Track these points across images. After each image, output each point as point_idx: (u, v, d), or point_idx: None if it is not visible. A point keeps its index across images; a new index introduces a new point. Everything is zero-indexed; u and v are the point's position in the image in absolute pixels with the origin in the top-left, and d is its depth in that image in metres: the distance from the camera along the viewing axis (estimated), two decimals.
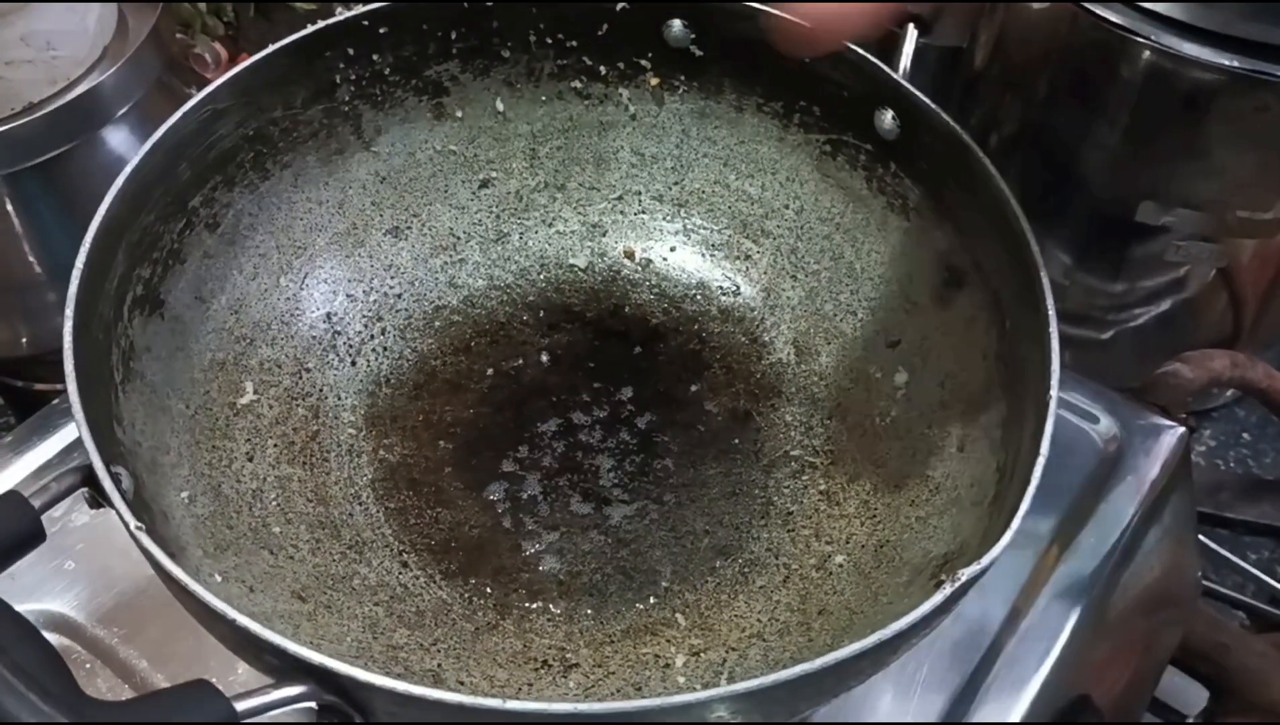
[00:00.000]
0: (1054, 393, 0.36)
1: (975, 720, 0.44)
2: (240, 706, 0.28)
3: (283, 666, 0.30)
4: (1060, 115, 0.71)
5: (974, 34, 0.79)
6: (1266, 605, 0.72)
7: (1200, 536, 0.69)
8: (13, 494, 0.31)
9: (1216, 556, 0.71)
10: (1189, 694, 0.67)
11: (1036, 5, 0.68)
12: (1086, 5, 0.62)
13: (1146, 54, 0.62)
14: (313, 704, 0.30)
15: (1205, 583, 0.72)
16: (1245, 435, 0.82)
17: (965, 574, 0.32)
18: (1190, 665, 0.66)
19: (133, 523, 0.31)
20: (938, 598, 0.31)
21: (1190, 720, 0.67)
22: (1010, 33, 0.73)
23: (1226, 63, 0.59)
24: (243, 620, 0.29)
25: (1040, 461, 0.34)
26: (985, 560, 0.32)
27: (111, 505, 0.32)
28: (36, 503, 0.32)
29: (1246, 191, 0.66)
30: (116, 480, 0.33)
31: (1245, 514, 0.73)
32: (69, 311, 0.36)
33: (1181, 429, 0.54)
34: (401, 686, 0.28)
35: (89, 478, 0.33)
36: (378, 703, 0.29)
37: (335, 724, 0.30)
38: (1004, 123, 0.77)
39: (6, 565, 0.30)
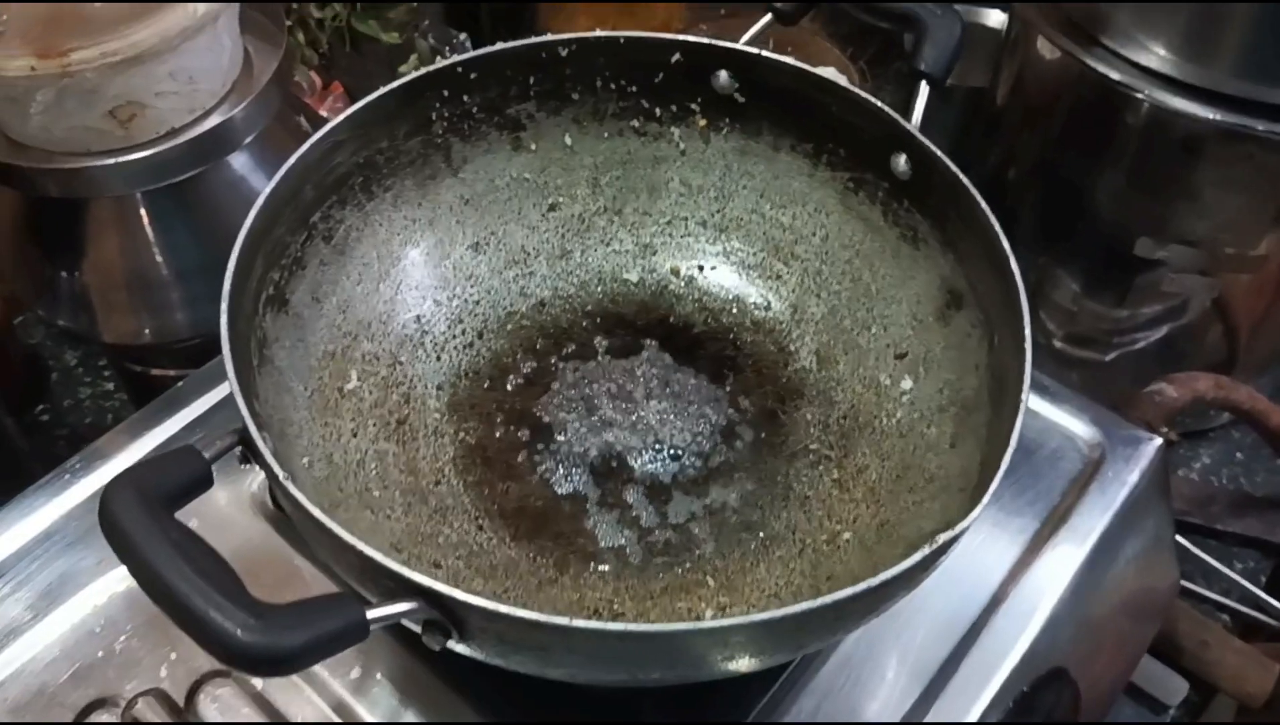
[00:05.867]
0: (1025, 398, 0.43)
1: (962, 676, 0.51)
2: (369, 614, 0.36)
3: (396, 589, 0.38)
4: (1069, 154, 0.78)
5: (995, 75, 0.86)
6: (1250, 610, 0.78)
7: (1191, 546, 0.75)
8: (190, 447, 0.40)
9: (1206, 565, 0.76)
10: (1171, 685, 0.73)
11: (1048, 55, 0.75)
12: (1088, 61, 0.69)
13: (1143, 106, 0.69)
14: (420, 619, 0.38)
15: (1195, 588, 0.78)
16: (1239, 454, 0.88)
17: (941, 538, 0.39)
18: (1173, 659, 0.73)
19: (281, 474, 0.40)
20: (917, 556, 0.38)
21: (1172, 709, 0.73)
22: (1026, 77, 0.80)
23: (1214, 116, 0.66)
24: (369, 551, 0.37)
25: (1009, 452, 0.41)
26: (959, 527, 0.39)
27: (263, 461, 0.40)
28: (206, 454, 0.40)
29: (1235, 230, 0.73)
30: (265, 441, 0.41)
31: (1233, 527, 0.78)
32: (225, 305, 0.44)
33: (1159, 441, 0.61)
34: (492, 604, 0.36)
35: (245, 438, 0.41)
36: (471, 618, 0.37)
37: (435, 635, 0.38)
38: (1021, 158, 0.84)
39: (187, 501, 0.39)
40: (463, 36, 0.92)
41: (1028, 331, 0.45)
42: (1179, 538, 0.68)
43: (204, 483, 0.39)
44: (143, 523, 0.35)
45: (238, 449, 0.41)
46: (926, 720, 0.49)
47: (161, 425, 0.59)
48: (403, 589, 0.37)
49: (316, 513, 0.38)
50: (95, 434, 0.59)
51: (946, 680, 0.51)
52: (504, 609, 0.36)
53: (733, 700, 0.49)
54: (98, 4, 0.54)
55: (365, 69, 0.87)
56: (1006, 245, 0.47)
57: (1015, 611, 0.53)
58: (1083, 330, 0.85)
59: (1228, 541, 0.79)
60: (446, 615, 0.37)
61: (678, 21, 0.96)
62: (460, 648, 0.39)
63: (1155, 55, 0.67)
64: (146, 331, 0.67)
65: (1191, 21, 0.66)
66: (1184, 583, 0.73)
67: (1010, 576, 0.55)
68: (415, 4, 0.88)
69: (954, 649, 0.52)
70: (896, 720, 0.49)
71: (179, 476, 0.38)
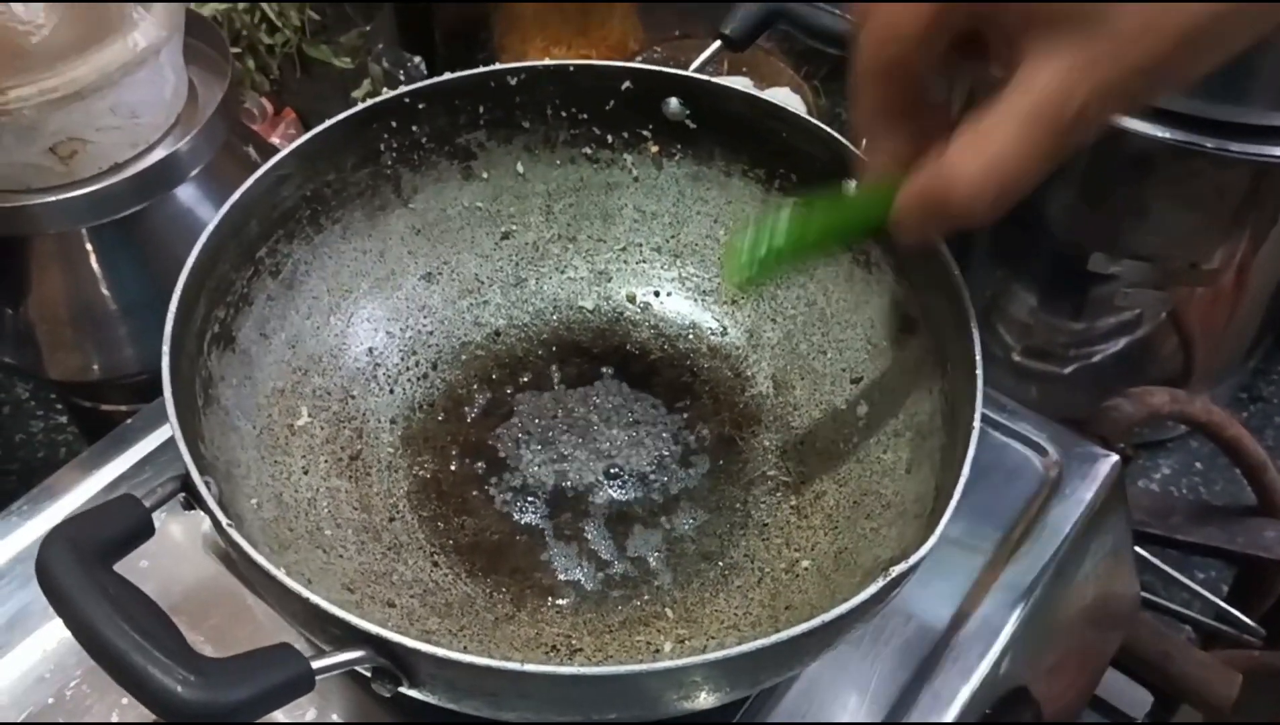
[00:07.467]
0: (976, 426, 0.43)
1: (924, 702, 0.51)
2: (315, 665, 0.35)
3: (344, 637, 0.37)
4: None
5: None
6: (1211, 620, 0.78)
7: (1152, 557, 0.75)
8: (128, 497, 0.39)
9: (1166, 576, 0.76)
10: (1135, 697, 0.73)
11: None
12: None
13: None
14: (369, 666, 0.37)
15: (1156, 599, 0.78)
16: (1198, 465, 0.88)
17: (895, 570, 0.39)
18: (1137, 671, 0.73)
19: (224, 520, 0.39)
20: (872, 589, 0.38)
21: (1136, 722, 0.73)
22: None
23: (1164, 135, 0.67)
24: (315, 599, 0.37)
25: (962, 480, 0.41)
26: (913, 559, 0.39)
27: (206, 507, 0.40)
28: (147, 503, 0.39)
29: (1186, 245, 0.73)
30: (208, 486, 0.40)
31: (1193, 537, 0.78)
32: (166, 348, 0.44)
33: (1116, 457, 0.61)
34: (441, 651, 0.36)
35: (187, 484, 0.40)
36: (420, 665, 0.37)
37: (385, 682, 0.38)
38: None
39: (126, 553, 0.38)
40: (417, 60, 0.91)
41: (979, 358, 0.45)
42: (1139, 549, 0.69)
43: (144, 532, 0.38)
44: (78, 579, 0.34)
45: (181, 495, 0.41)
46: None
47: (111, 463, 0.58)
48: (350, 636, 0.37)
49: (260, 560, 0.38)
50: (48, 469, 0.58)
51: (909, 705, 0.51)
52: (453, 655, 0.36)
53: None
54: (35, 40, 0.53)
55: (318, 93, 0.87)
56: (957, 272, 0.47)
57: (976, 632, 0.53)
58: (1040, 344, 0.85)
59: (1188, 552, 0.79)
60: (395, 662, 0.37)
61: (634, 42, 0.96)
62: (411, 693, 0.39)
63: None
64: (95, 367, 0.66)
65: None
66: (1145, 594, 0.73)
67: (970, 597, 0.55)
68: (368, 29, 0.88)
69: (915, 672, 0.52)
70: None
71: (117, 527, 0.38)
